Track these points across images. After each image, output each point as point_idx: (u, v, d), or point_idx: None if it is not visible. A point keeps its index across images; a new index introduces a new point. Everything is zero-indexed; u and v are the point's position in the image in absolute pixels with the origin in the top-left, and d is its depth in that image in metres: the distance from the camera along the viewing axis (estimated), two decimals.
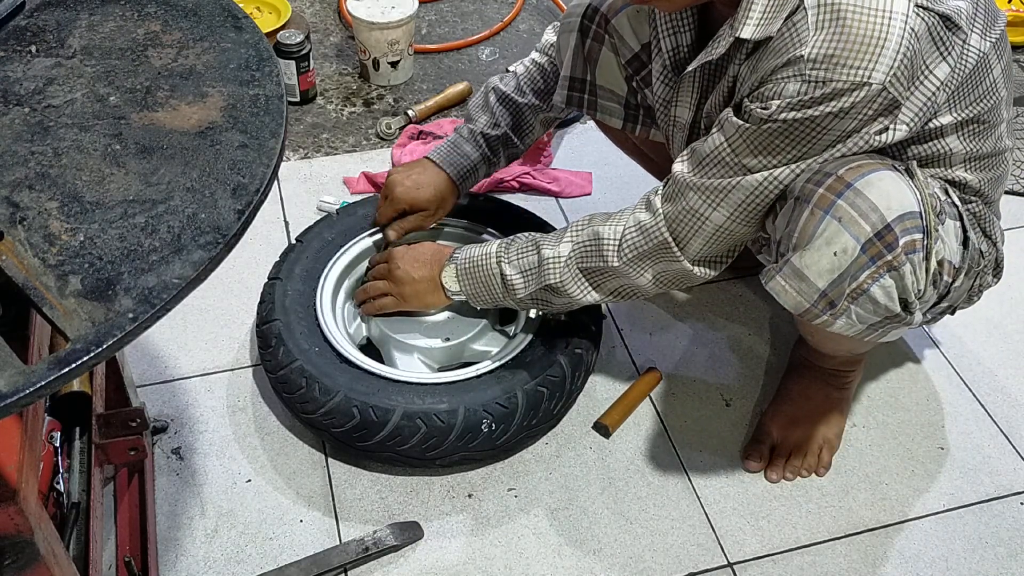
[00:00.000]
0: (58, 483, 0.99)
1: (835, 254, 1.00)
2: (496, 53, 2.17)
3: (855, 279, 1.01)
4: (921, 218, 1.01)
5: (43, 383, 0.59)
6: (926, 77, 1.01)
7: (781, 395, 1.40)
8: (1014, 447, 1.42)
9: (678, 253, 1.13)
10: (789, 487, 1.35)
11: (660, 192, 1.14)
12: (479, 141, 1.40)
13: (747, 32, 1.01)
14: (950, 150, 1.11)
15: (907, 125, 1.03)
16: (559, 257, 1.20)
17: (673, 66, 1.18)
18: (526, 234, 1.26)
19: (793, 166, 1.04)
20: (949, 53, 1.01)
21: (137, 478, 1.25)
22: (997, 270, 1.24)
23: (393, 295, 1.33)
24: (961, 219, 1.11)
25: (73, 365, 0.60)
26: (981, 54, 1.05)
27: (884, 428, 1.44)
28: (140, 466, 1.24)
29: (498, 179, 1.77)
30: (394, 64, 2.02)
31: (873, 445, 1.41)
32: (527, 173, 1.78)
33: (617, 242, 1.16)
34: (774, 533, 1.30)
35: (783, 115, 1.00)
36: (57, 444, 1.02)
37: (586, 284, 1.20)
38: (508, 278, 1.23)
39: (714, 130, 1.08)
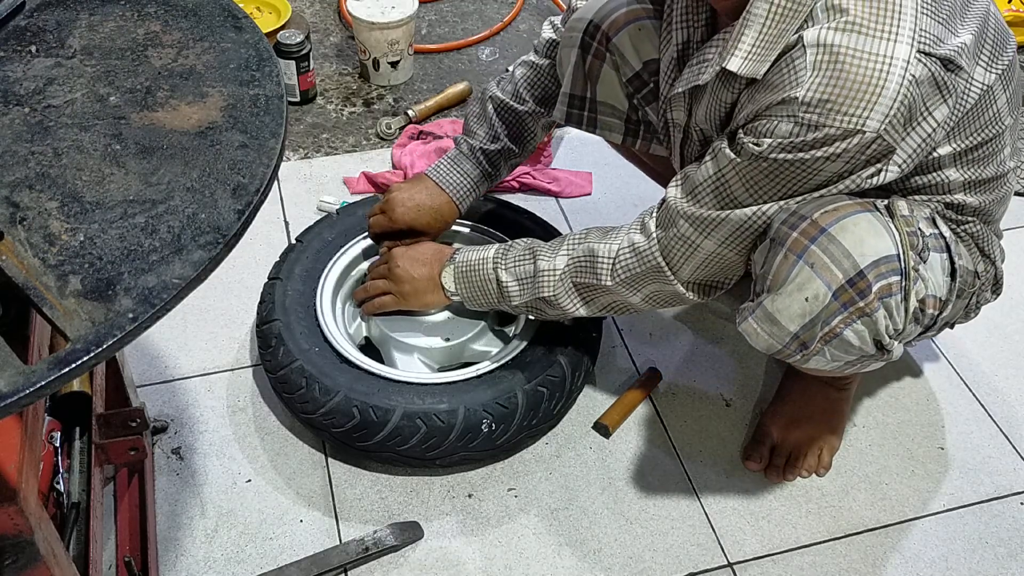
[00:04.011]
0: (58, 483, 0.99)
1: (806, 299, 1.00)
2: (496, 53, 2.17)
3: (827, 324, 1.00)
4: (899, 260, 0.99)
5: (43, 383, 0.59)
6: (924, 119, 0.99)
7: (781, 396, 1.40)
8: (1014, 447, 1.42)
9: (671, 276, 1.14)
10: (789, 487, 1.35)
11: (654, 215, 1.15)
12: (479, 157, 1.39)
13: (734, 65, 0.99)
14: (947, 179, 1.09)
15: (899, 167, 1.01)
16: (554, 270, 1.21)
17: (679, 61, 1.17)
18: (524, 241, 1.26)
19: (782, 203, 1.04)
20: (950, 95, 0.99)
21: (137, 478, 1.25)
22: (996, 287, 1.23)
23: (393, 294, 1.33)
24: (948, 250, 1.08)
25: (73, 365, 0.60)
26: (984, 87, 1.03)
27: (884, 428, 1.44)
28: (140, 466, 1.24)
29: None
30: (394, 64, 2.02)
31: (873, 445, 1.41)
32: (527, 173, 1.78)
33: (611, 261, 1.17)
34: (774, 533, 1.30)
35: (774, 155, 0.99)
36: (57, 444, 1.02)
37: (578, 299, 1.22)
38: (504, 284, 1.24)
39: (707, 158, 1.07)
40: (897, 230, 1.01)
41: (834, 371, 1.09)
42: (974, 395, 1.49)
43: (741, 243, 1.09)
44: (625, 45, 1.24)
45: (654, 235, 1.14)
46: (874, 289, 0.98)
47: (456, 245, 1.33)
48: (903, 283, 1.00)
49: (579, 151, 1.90)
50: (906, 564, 1.27)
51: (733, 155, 1.03)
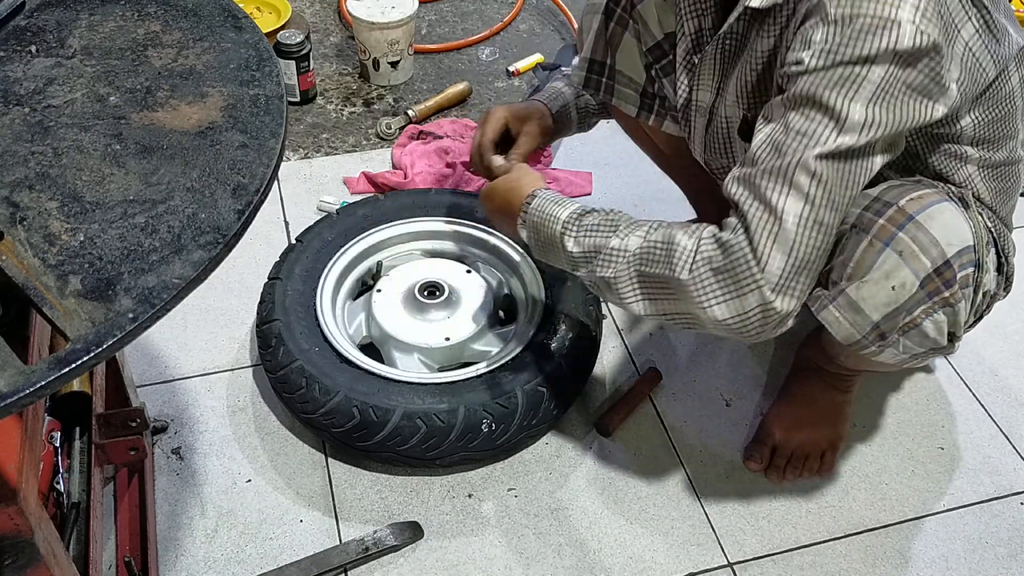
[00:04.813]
0: (58, 483, 0.99)
1: (893, 288, 0.98)
2: (496, 53, 2.17)
3: (910, 313, 0.99)
4: (975, 251, 1.00)
5: (43, 383, 0.59)
6: (957, 32, 0.96)
7: (785, 397, 1.40)
8: (1014, 447, 1.42)
9: (757, 272, 0.96)
10: (789, 487, 1.35)
11: (732, 214, 1.01)
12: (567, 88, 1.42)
13: (755, 1, 0.99)
14: (966, 154, 1.09)
15: (956, 84, 0.96)
16: (624, 251, 1.05)
17: (695, 49, 1.17)
18: (605, 210, 1.11)
19: (846, 127, 0.94)
20: (970, 18, 0.97)
21: (137, 478, 1.25)
22: (1007, 284, 1.24)
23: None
24: (996, 244, 1.09)
25: (73, 365, 0.60)
26: (1001, 57, 1.03)
27: (884, 428, 1.44)
28: (140, 466, 1.24)
29: None
30: (394, 64, 2.02)
31: (873, 445, 1.41)
32: None
33: (692, 252, 1.00)
34: (774, 533, 1.30)
35: (816, 62, 0.93)
36: (57, 444, 1.02)
37: (640, 292, 1.05)
38: (569, 253, 1.11)
39: (759, 125, 1.00)
40: (973, 220, 1.01)
41: (896, 365, 1.09)
42: (974, 395, 1.49)
43: (826, 195, 0.96)
44: (649, 13, 1.23)
45: (737, 225, 0.98)
46: (958, 279, 0.98)
47: (537, 188, 1.17)
48: (976, 275, 1.00)
49: (579, 151, 1.90)
50: (906, 564, 1.27)
51: (781, 98, 0.97)
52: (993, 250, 1.09)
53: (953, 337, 1.02)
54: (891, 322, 1.00)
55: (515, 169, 1.24)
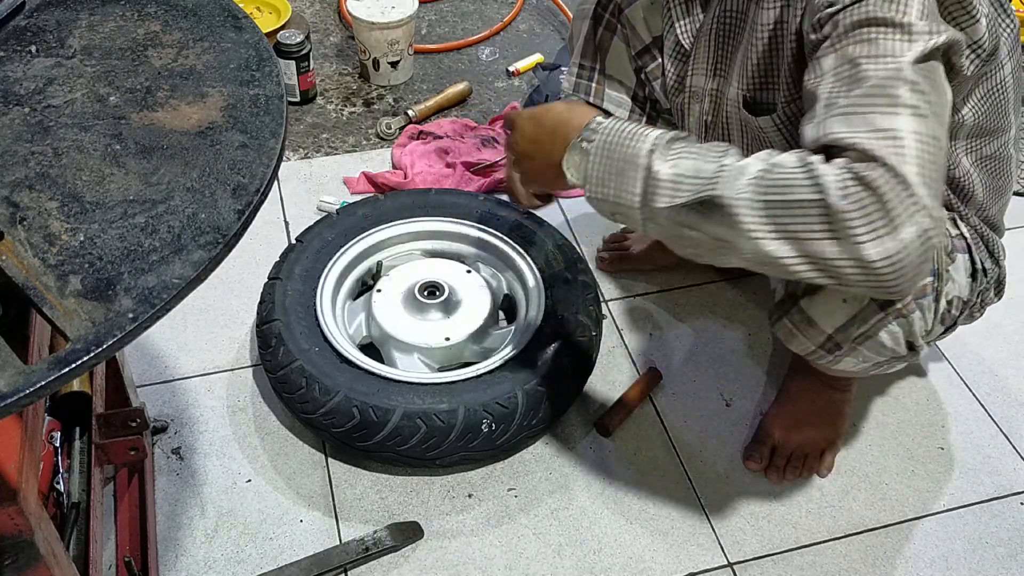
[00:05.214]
0: (58, 483, 0.99)
1: (844, 301, 0.99)
2: (496, 53, 2.17)
3: (864, 324, 1.00)
4: (933, 261, 0.99)
5: (43, 383, 0.59)
6: None
7: (783, 396, 1.40)
8: (1014, 447, 1.42)
9: (909, 197, 0.81)
10: (789, 487, 1.35)
11: (838, 156, 0.85)
12: None
13: None
14: (965, 147, 1.07)
15: (985, 19, 0.93)
16: (742, 169, 0.86)
17: (685, 40, 1.17)
18: (692, 136, 0.95)
19: (914, 33, 0.87)
20: None
21: (137, 478, 1.25)
22: (999, 287, 1.24)
23: (519, 172, 1.08)
24: (970, 250, 1.08)
25: (73, 365, 0.60)
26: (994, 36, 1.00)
27: (884, 428, 1.44)
28: (140, 466, 1.24)
29: (498, 179, 1.77)
30: (394, 64, 2.02)
31: (873, 445, 1.41)
32: None
33: (842, 177, 0.82)
34: (774, 533, 1.30)
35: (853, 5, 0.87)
36: (57, 444, 1.02)
37: (762, 219, 0.85)
38: (656, 175, 0.90)
39: (813, 78, 0.91)
40: None
41: (860, 373, 1.09)
42: (974, 395, 1.49)
43: (929, 110, 0.86)
44: (637, 18, 1.24)
45: (859, 157, 0.83)
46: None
47: (597, 113, 0.99)
48: (936, 284, 1.00)
49: None
50: (906, 564, 1.27)
51: (829, 42, 0.90)
52: (966, 257, 1.07)
53: (912, 346, 1.02)
54: (844, 334, 1.01)
55: (533, 112, 1.06)
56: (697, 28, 1.15)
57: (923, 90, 0.85)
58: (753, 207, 0.84)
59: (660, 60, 1.24)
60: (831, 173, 0.82)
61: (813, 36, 0.92)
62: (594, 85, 1.34)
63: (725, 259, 0.90)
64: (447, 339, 1.37)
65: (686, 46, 1.16)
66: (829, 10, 0.90)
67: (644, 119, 1.35)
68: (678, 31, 1.16)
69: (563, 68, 1.84)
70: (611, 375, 1.48)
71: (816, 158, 0.84)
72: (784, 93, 1.06)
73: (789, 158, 0.85)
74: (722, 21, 1.10)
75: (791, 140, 1.07)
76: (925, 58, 0.86)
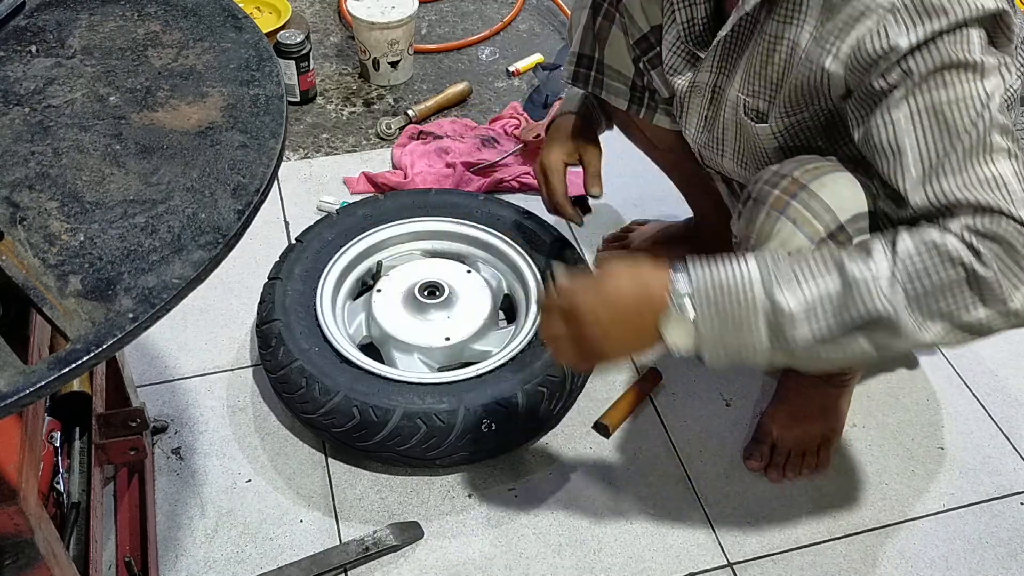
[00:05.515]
0: (58, 483, 0.99)
1: (789, 255, 1.00)
2: (496, 53, 2.17)
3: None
4: (871, 217, 1.00)
5: (43, 383, 0.59)
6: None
7: (780, 394, 1.40)
8: (1014, 447, 1.42)
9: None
10: (789, 487, 1.35)
11: (942, 220, 0.88)
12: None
13: None
14: None
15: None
16: (874, 274, 0.86)
17: (687, 38, 1.16)
18: (776, 253, 0.92)
19: (986, 72, 0.89)
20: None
21: (137, 478, 1.25)
22: None
23: (567, 340, 0.97)
24: None
25: (73, 365, 0.60)
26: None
27: (884, 428, 1.44)
28: (140, 466, 1.24)
29: (498, 179, 1.77)
30: (394, 64, 2.02)
31: (873, 445, 1.41)
32: (527, 173, 1.78)
33: (969, 246, 0.85)
34: (774, 533, 1.30)
35: (915, 38, 0.88)
36: (57, 444, 1.02)
37: (924, 314, 0.86)
38: (782, 311, 0.87)
39: (881, 124, 0.92)
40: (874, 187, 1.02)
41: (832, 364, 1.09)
42: (974, 395, 1.49)
43: (1017, 149, 0.90)
44: (635, 6, 1.24)
45: (975, 212, 0.87)
46: (854, 242, 0.99)
47: (661, 264, 0.93)
48: None
49: None
50: (906, 564, 1.27)
51: (901, 93, 0.90)
52: None
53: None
54: None
55: (604, 264, 1.02)
56: (699, 29, 1.15)
57: (1009, 131, 0.89)
58: (910, 308, 0.86)
59: (658, 49, 1.24)
60: (960, 244, 0.85)
61: (877, 85, 0.92)
62: (593, 75, 1.35)
63: (865, 359, 0.92)
64: (447, 339, 1.37)
65: (690, 46, 1.16)
66: (894, 55, 0.90)
67: (643, 111, 1.35)
68: (680, 27, 1.15)
69: (563, 68, 1.84)
70: (611, 375, 1.48)
71: (935, 234, 0.86)
72: (780, 108, 1.07)
73: (910, 243, 0.87)
74: (742, 25, 1.10)
75: (785, 150, 1.12)
76: (1004, 99, 0.90)
